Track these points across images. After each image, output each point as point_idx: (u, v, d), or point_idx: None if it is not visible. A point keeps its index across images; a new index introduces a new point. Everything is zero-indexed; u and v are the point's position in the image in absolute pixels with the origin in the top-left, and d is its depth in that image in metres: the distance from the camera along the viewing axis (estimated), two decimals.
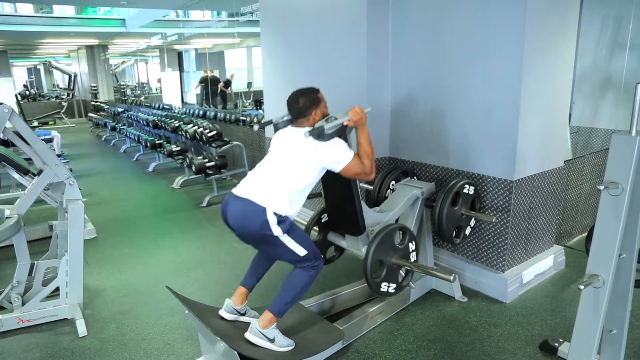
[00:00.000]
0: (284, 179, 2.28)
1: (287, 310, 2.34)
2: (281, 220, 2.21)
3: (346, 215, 2.70)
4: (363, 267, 2.51)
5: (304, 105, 2.38)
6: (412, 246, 2.67)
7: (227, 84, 12.66)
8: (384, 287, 2.58)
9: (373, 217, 2.77)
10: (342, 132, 2.38)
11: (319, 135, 2.27)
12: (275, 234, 2.20)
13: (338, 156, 2.31)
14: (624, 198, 1.72)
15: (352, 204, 2.61)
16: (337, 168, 2.32)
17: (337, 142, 2.32)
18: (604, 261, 1.79)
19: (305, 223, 2.95)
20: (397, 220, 2.89)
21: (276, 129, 2.55)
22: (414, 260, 2.70)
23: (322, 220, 2.95)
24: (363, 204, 2.66)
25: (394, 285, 2.62)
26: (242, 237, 2.34)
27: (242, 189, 2.32)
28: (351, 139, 2.47)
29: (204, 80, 12.18)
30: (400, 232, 2.66)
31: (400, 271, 2.66)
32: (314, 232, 2.95)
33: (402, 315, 2.93)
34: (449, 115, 3.27)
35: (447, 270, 2.60)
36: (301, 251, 2.27)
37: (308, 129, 2.30)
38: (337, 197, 2.70)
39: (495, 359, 2.49)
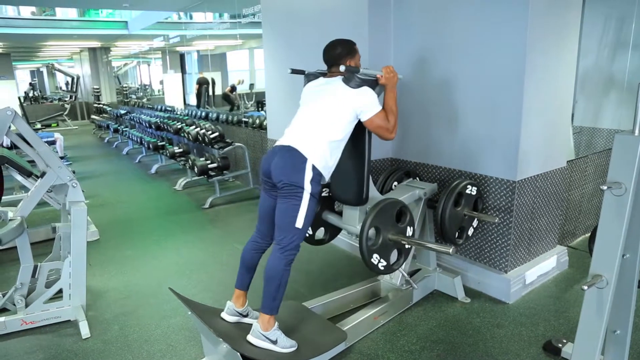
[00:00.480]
0: (322, 127, 2.36)
1: (278, 305, 2.31)
2: (314, 177, 2.26)
3: (351, 183, 2.68)
4: (360, 230, 2.49)
5: (341, 52, 2.48)
6: (409, 230, 2.65)
7: (233, 88, 12.75)
8: (375, 258, 2.53)
9: (376, 194, 2.77)
10: (372, 87, 2.44)
11: (353, 73, 2.37)
12: (305, 187, 2.23)
13: (368, 103, 2.37)
14: (627, 198, 1.72)
15: (360, 171, 2.61)
16: (364, 116, 2.39)
17: (368, 90, 2.40)
18: (608, 261, 1.79)
19: None
20: None
21: (307, 80, 2.63)
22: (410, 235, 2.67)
23: (322, 194, 2.92)
24: (370, 179, 2.66)
25: (384, 263, 2.57)
26: (270, 180, 2.34)
27: (287, 139, 2.37)
28: (380, 96, 2.53)
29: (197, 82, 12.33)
30: (401, 210, 2.63)
31: (394, 251, 2.63)
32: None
33: (405, 317, 2.92)
34: (451, 116, 3.27)
35: (445, 247, 2.54)
36: (300, 223, 2.26)
37: (339, 81, 2.39)
38: (346, 164, 2.63)
39: None
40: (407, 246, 2.66)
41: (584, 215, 4.10)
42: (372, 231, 2.51)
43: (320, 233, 3.03)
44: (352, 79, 2.39)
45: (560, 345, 2.49)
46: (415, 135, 3.58)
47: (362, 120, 2.41)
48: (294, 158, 2.28)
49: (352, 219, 2.80)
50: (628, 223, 1.75)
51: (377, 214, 2.50)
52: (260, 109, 11.79)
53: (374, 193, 2.77)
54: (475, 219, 3.04)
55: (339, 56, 2.48)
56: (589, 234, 3.40)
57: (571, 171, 3.69)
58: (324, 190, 2.91)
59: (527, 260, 3.26)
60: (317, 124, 2.38)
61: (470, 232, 3.05)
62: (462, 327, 2.80)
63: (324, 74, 2.59)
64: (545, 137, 3.11)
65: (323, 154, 2.31)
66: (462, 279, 3.19)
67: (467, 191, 2.93)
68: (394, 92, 2.51)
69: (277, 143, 2.40)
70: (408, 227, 2.64)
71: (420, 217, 3.00)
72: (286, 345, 2.31)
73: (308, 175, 2.25)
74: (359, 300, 3.01)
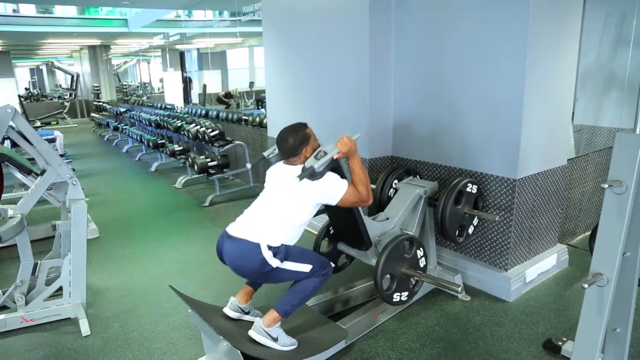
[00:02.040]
0: (279, 216, 2.30)
1: (293, 311, 2.35)
2: (276, 252, 2.22)
3: (350, 231, 2.72)
4: (374, 283, 2.52)
5: (293, 144, 2.35)
6: (420, 253, 2.68)
7: (227, 95, 12.84)
8: (396, 297, 2.60)
9: (378, 228, 2.78)
10: (334, 164, 2.37)
11: (311, 175, 2.25)
12: (275, 265, 2.22)
13: (333, 191, 2.31)
14: (628, 196, 1.72)
15: (354, 222, 2.63)
16: (335, 200, 2.33)
17: (330, 177, 2.31)
18: (608, 260, 1.78)
19: (316, 233, 2.98)
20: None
21: (269, 164, 2.56)
22: (424, 266, 2.70)
23: (331, 232, 2.97)
24: (366, 218, 2.67)
25: (406, 294, 2.64)
26: (240, 274, 2.37)
27: (235, 228, 2.34)
28: (344, 165, 2.48)
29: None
30: (407, 242, 2.66)
31: (411, 279, 2.66)
32: (324, 243, 2.98)
33: (405, 314, 2.92)
34: (452, 114, 3.26)
35: (455, 285, 2.64)
36: (306, 268, 2.29)
37: (299, 171, 2.27)
38: (339, 217, 2.73)
39: (499, 358, 2.48)
40: (421, 264, 2.70)
41: (584, 214, 4.10)
42: (386, 278, 2.56)
43: (342, 259, 3.07)
44: (313, 175, 2.26)
45: (560, 343, 2.49)
46: (415, 133, 3.57)
47: (333, 204, 2.35)
48: (246, 249, 2.23)
49: (364, 256, 2.84)
50: (629, 221, 1.75)
51: (386, 262, 2.52)
52: (260, 106, 11.78)
53: (371, 227, 2.72)
54: (476, 217, 3.04)
55: (293, 149, 2.35)
56: (589, 233, 3.40)
57: (571, 169, 3.68)
58: (330, 229, 2.95)
59: (527, 258, 3.26)
60: (275, 213, 2.31)
61: (471, 230, 3.05)
62: (462, 325, 2.81)
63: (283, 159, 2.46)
64: (546, 135, 3.10)
65: (280, 236, 2.26)
66: (462, 276, 3.20)
67: (468, 189, 2.93)
68: (357, 158, 2.40)
69: (227, 230, 2.36)
70: (417, 251, 2.67)
71: (421, 215, 3.00)
72: (287, 343, 2.32)
73: (268, 256, 2.21)
74: (359, 298, 3.02)
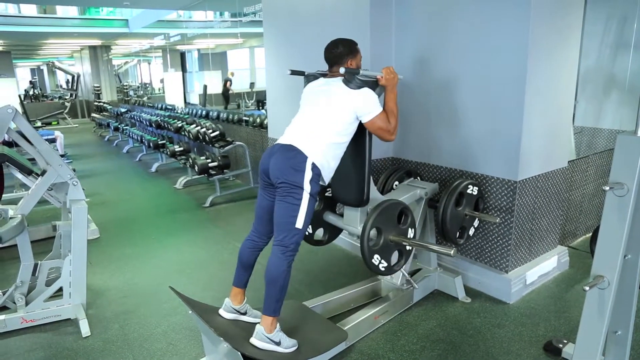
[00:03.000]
0: (323, 128, 2.35)
1: (280, 306, 2.30)
2: (314, 178, 2.25)
3: (352, 184, 2.67)
4: (361, 230, 2.49)
5: (342, 51, 2.47)
6: (411, 232, 2.65)
7: (227, 82, 12.95)
8: (375, 259, 2.52)
9: (377, 195, 2.76)
10: (373, 88, 2.44)
11: (353, 75, 2.36)
12: (304, 187, 2.22)
13: (369, 104, 2.37)
14: (630, 199, 1.72)
15: (360, 172, 2.60)
16: (365, 118, 2.38)
17: (369, 91, 2.39)
18: (609, 262, 1.78)
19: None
20: None
21: (307, 80, 2.62)
22: (412, 237, 2.67)
23: (326, 194, 2.93)
24: (371, 180, 2.66)
25: (385, 264, 2.56)
26: (269, 179, 2.34)
27: (287, 138, 2.37)
28: (381, 95, 2.53)
29: None
30: (403, 212, 2.62)
31: (395, 252, 2.62)
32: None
33: (405, 316, 2.92)
34: (453, 116, 3.26)
35: (446, 249, 2.51)
36: (300, 223, 2.25)
37: (340, 82, 2.39)
38: (346, 164, 2.63)
39: None
40: (408, 247, 2.65)
41: (584, 216, 4.09)
42: (373, 232, 2.51)
43: (320, 233, 3.02)
44: (353, 80, 2.38)
45: (560, 345, 2.48)
46: (416, 134, 3.57)
47: (362, 121, 2.40)
48: (294, 157, 2.26)
49: (353, 220, 2.79)
50: (630, 224, 1.75)
51: (379, 215, 2.49)
52: (260, 107, 11.80)
53: (375, 194, 2.77)
54: (477, 219, 3.04)
55: (341, 55, 2.47)
56: (590, 235, 3.40)
57: (572, 171, 3.68)
58: (327, 190, 2.91)
59: (527, 260, 3.26)
60: (318, 125, 2.37)
61: (471, 232, 3.05)
62: (463, 327, 2.80)
63: (324, 75, 2.58)
64: (547, 137, 3.10)
65: (323, 154, 2.31)
66: (462, 278, 3.19)
67: (469, 191, 2.93)
68: (395, 93, 2.50)
69: (277, 141, 2.39)
70: (410, 229, 2.64)
71: (422, 217, 3.00)
72: (288, 345, 2.31)
73: (308, 174, 2.24)
74: (360, 300, 3.01)
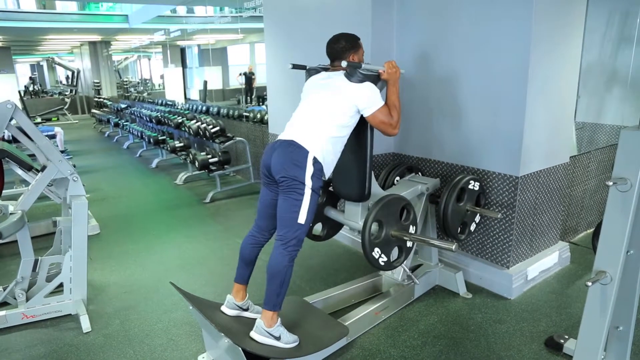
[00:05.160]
0: (324, 121, 2.33)
1: (282, 301, 2.29)
2: (316, 173, 2.23)
3: (353, 178, 2.67)
4: (363, 222, 2.48)
5: (344, 46, 2.47)
6: (412, 229, 2.64)
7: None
8: (376, 252, 2.51)
9: (378, 191, 2.75)
10: (375, 82, 2.43)
11: (355, 68, 2.36)
12: (305, 182, 2.21)
13: (370, 99, 2.36)
14: (633, 194, 1.70)
15: (362, 167, 2.59)
16: (367, 112, 2.37)
17: (371, 85, 2.39)
18: (612, 258, 1.77)
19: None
20: None
21: (309, 75, 2.62)
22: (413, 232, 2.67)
23: (329, 188, 2.92)
24: (372, 175, 2.65)
25: (384, 258, 2.55)
26: (270, 175, 2.33)
27: (288, 133, 2.36)
28: (383, 89, 2.53)
29: None
30: (405, 208, 2.62)
31: (395, 249, 2.61)
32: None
33: (406, 312, 2.92)
34: (454, 111, 3.25)
35: (447, 243, 2.51)
36: (302, 218, 2.24)
37: (342, 76, 2.39)
38: (348, 159, 2.63)
39: (501, 356, 2.48)
40: (408, 244, 2.65)
41: (586, 211, 4.08)
42: (374, 225, 2.50)
43: (318, 227, 3.01)
44: (355, 74, 2.37)
45: (562, 341, 2.48)
46: (417, 130, 3.56)
47: (364, 115, 2.39)
48: (295, 152, 2.25)
49: (354, 215, 2.79)
50: (633, 219, 1.74)
51: (382, 208, 2.49)
52: (260, 103, 11.79)
53: (376, 189, 2.76)
54: (478, 215, 3.03)
55: (343, 50, 2.46)
56: (592, 230, 3.40)
57: (574, 167, 3.67)
58: (330, 185, 2.91)
59: (529, 256, 3.25)
60: (319, 118, 2.36)
61: (473, 227, 3.04)
62: (464, 322, 2.80)
63: (326, 69, 2.57)
64: (549, 132, 3.09)
65: (324, 148, 2.30)
66: (463, 274, 3.19)
67: (470, 186, 2.92)
68: (397, 87, 2.49)
69: (278, 138, 2.38)
70: (411, 226, 2.63)
71: (423, 212, 2.99)
72: (289, 340, 2.30)
73: (309, 169, 2.23)
74: (361, 295, 3.01)
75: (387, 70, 2.45)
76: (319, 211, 2.93)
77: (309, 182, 2.22)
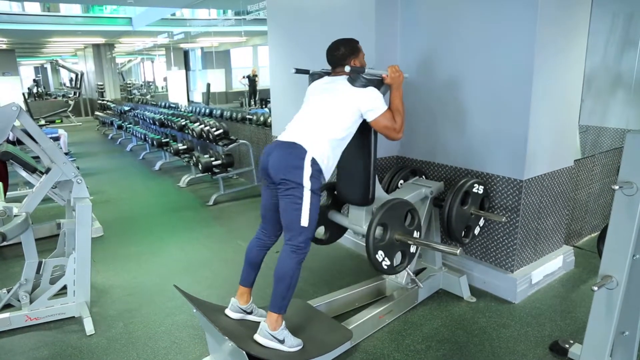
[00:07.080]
0: (325, 124, 2.33)
1: (287, 304, 2.29)
2: (314, 174, 2.22)
3: (357, 182, 2.66)
4: (367, 225, 2.48)
5: (344, 53, 2.47)
6: (416, 234, 2.64)
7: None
8: (379, 255, 2.50)
9: (383, 194, 2.75)
10: (378, 87, 2.43)
11: (358, 73, 2.36)
12: (304, 184, 2.20)
13: (374, 103, 2.36)
14: (639, 198, 1.70)
15: (366, 171, 2.59)
16: (370, 116, 2.37)
17: (374, 90, 2.39)
18: (618, 262, 1.77)
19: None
20: None
21: (312, 79, 2.62)
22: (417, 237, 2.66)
23: (334, 191, 2.91)
24: (376, 179, 2.65)
25: (388, 262, 2.54)
26: (269, 177, 2.32)
27: (287, 134, 2.36)
28: (386, 94, 2.52)
29: None
30: (410, 212, 2.61)
31: (398, 253, 2.60)
32: (322, 198, 2.86)
33: (410, 316, 2.91)
34: (459, 115, 3.24)
35: (451, 248, 2.50)
36: (305, 221, 2.23)
37: (344, 81, 2.39)
38: (351, 164, 2.64)
39: None
40: (412, 249, 2.64)
41: (590, 215, 4.07)
42: (379, 229, 2.50)
43: (321, 231, 2.99)
44: (358, 79, 2.37)
45: (567, 345, 2.47)
46: (421, 133, 3.55)
47: (367, 120, 2.38)
48: (293, 153, 2.24)
49: (358, 219, 2.78)
50: (639, 223, 1.73)
51: (386, 212, 2.48)
52: (263, 105, 11.80)
53: (380, 193, 2.76)
54: (482, 218, 3.02)
55: (343, 57, 2.46)
56: (596, 234, 3.38)
57: (578, 170, 3.66)
58: (333, 190, 2.90)
59: (533, 259, 3.24)
60: (320, 121, 2.35)
61: (477, 231, 3.03)
62: (468, 326, 2.79)
63: (328, 73, 2.57)
64: (553, 136, 3.08)
65: (324, 150, 2.28)
66: (467, 278, 3.17)
67: (474, 190, 2.91)
68: (400, 92, 2.49)
69: (277, 138, 2.38)
70: (415, 231, 2.63)
71: (427, 215, 2.98)
72: (293, 344, 2.30)
73: (307, 171, 2.21)
74: (364, 299, 3.00)
75: (391, 75, 2.45)
76: (323, 215, 2.92)
77: (307, 184, 2.21)
